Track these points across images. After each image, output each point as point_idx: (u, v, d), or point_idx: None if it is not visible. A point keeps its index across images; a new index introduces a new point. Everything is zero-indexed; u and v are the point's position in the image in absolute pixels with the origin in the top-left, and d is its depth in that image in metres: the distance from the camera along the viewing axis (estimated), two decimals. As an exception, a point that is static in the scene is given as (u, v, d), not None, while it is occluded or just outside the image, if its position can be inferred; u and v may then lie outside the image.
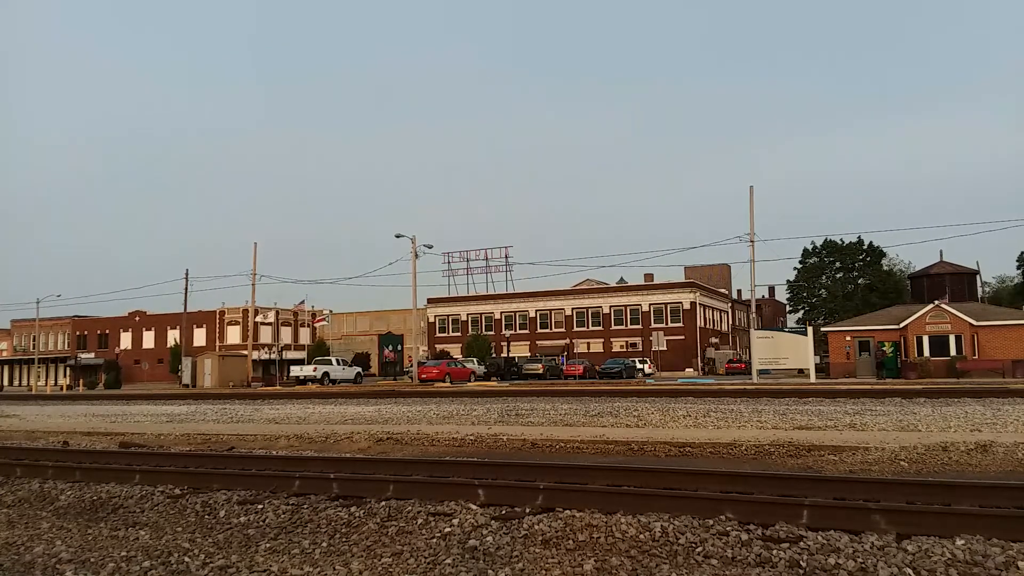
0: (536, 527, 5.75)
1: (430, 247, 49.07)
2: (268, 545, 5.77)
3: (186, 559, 5.41)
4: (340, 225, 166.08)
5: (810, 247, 69.77)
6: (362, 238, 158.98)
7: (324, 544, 5.71)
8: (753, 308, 47.28)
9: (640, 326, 74.41)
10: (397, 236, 47.95)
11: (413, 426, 13.72)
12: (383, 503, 6.70)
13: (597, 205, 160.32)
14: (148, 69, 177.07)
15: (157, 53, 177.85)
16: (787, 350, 40.72)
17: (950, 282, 50.10)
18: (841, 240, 68.09)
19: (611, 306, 77.42)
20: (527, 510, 6.25)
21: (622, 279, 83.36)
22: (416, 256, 47.88)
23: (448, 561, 5.12)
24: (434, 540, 5.62)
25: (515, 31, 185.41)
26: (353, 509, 6.60)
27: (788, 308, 78.88)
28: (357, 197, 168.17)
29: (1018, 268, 63.94)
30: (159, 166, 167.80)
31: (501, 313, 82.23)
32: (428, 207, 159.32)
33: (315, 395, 27.87)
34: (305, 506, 6.81)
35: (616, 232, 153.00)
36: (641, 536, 5.43)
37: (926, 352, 44.37)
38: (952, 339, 44.24)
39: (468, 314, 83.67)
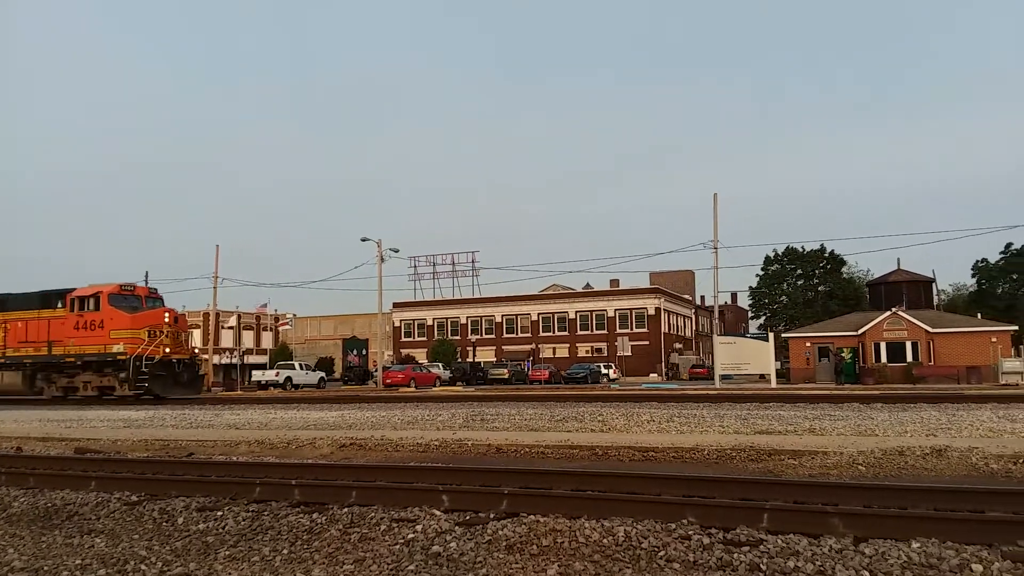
0: (500, 533, 5.74)
1: (396, 251, 48.90)
2: (227, 552, 5.68)
3: (143, 567, 5.30)
4: (305, 228, 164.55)
5: (772, 254, 70.88)
6: (327, 242, 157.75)
7: (285, 551, 5.63)
8: (716, 314, 47.87)
9: (605, 331, 74.89)
10: (363, 240, 47.67)
11: (377, 431, 13.62)
12: (346, 509, 6.64)
13: (564, 211, 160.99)
14: (112, 67, 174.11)
15: (120, 49, 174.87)
16: (749, 356, 41.29)
17: (907, 290, 51.27)
18: (802, 248, 69.33)
19: (577, 311, 77.76)
20: (491, 515, 6.24)
21: (588, 284, 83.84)
22: (382, 260, 47.63)
23: (411, 567, 5.09)
24: (397, 546, 5.58)
25: (482, 35, 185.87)
26: (315, 516, 6.52)
27: (750, 314, 79.96)
28: (323, 200, 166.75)
29: (973, 276, 65.68)
30: (118, 167, 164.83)
31: (467, 318, 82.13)
32: (394, 211, 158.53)
33: (277, 400, 27.55)
34: (266, 513, 6.72)
35: (583, 238, 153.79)
36: (605, 541, 5.45)
37: (883, 358, 45.34)
38: (909, 345, 45.27)
39: (434, 318, 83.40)
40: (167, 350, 28.61)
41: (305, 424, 15.75)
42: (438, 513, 6.38)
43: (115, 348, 28.11)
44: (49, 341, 29.48)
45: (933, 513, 5.74)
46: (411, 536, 5.78)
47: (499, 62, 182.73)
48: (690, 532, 5.49)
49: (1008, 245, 62.14)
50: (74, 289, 29.67)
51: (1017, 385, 34.84)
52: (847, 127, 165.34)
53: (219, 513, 6.78)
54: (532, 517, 6.06)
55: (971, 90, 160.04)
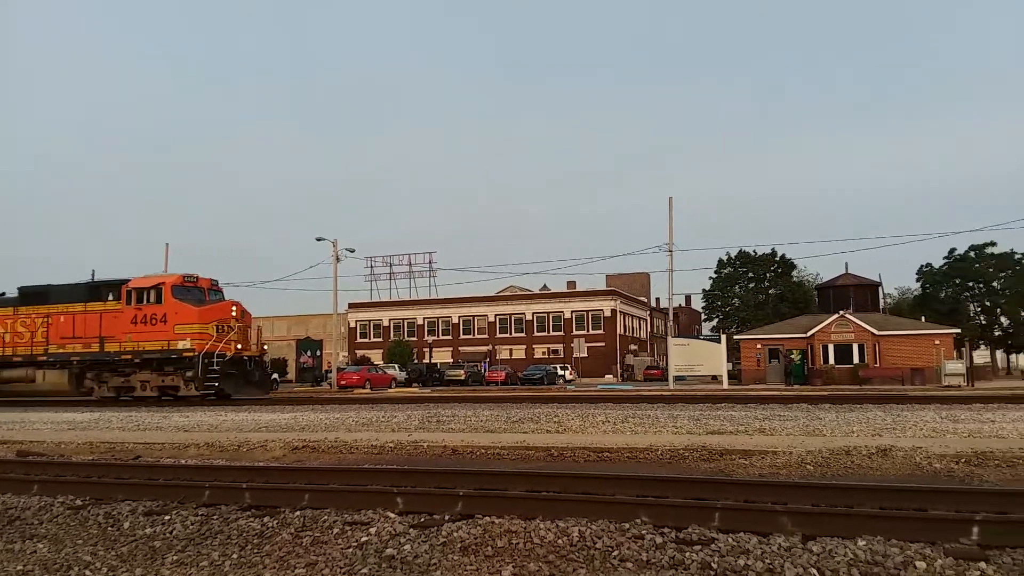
0: (455, 534, 5.72)
1: (352, 251, 48.40)
2: (175, 557, 5.56)
3: (87, 572, 5.16)
4: (259, 227, 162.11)
5: (725, 257, 72.00)
6: (282, 241, 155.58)
7: (235, 555, 5.53)
8: (671, 316, 48.51)
9: (562, 333, 75.28)
10: (318, 239, 47.12)
11: (331, 433, 13.47)
12: (298, 513, 6.55)
13: (522, 213, 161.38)
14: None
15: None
16: (702, 357, 41.95)
17: (854, 293, 52.60)
18: (754, 251, 70.56)
19: (534, 313, 78.02)
20: (446, 517, 6.21)
21: (545, 286, 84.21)
22: (337, 260, 47.14)
23: (364, 571, 5.04)
24: (350, 550, 5.52)
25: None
26: (266, 519, 6.42)
27: (704, 316, 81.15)
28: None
29: (918, 281, 67.59)
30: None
31: (424, 319, 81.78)
32: (351, 211, 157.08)
33: (228, 402, 27.01)
34: (215, 516, 6.59)
35: (540, 240, 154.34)
36: (559, 541, 5.47)
37: (831, 360, 46.43)
38: (856, 347, 46.46)
39: (390, 319, 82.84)
40: (238, 346, 26.45)
41: (257, 426, 15.50)
42: (392, 515, 6.34)
43: (180, 344, 25.60)
44: (101, 337, 26.72)
45: (878, 511, 5.89)
46: (364, 539, 5.73)
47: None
48: (643, 532, 5.55)
49: (951, 251, 64.18)
50: (127, 280, 26.95)
51: (959, 387, 35.97)
52: (803, 133, 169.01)
53: (167, 517, 6.63)
54: (487, 518, 6.06)
55: (917, 105, 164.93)
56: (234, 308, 27.24)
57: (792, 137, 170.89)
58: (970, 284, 63.56)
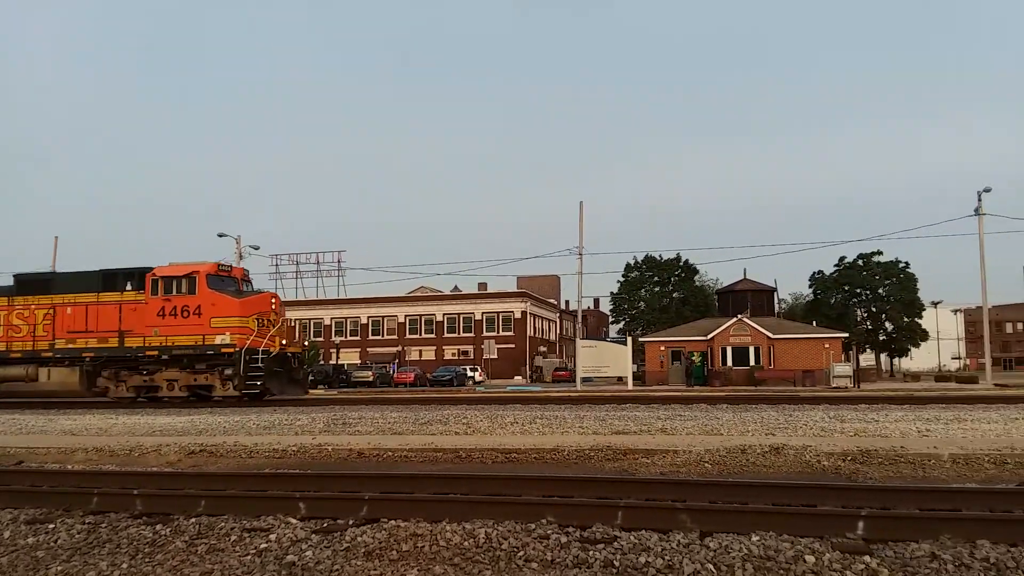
0: (359, 539, 5.62)
1: (256, 248, 47.05)
2: (60, 568, 5.25)
3: (-44, 590, 4.80)
4: (160, 223, 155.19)
5: (632, 262, 73.65)
6: (183, 238, 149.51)
7: (124, 565, 5.27)
8: (580, 318, 49.29)
9: (472, 334, 75.28)
10: (220, 235, 45.55)
11: (230, 437, 13.01)
12: (193, 520, 6.29)
13: (434, 214, 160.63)
14: None
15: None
16: (609, 359, 42.79)
17: (751, 298, 54.85)
18: (660, 256, 72.48)
19: (444, 314, 77.73)
20: (350, 522, 6.10)
21: (456, 287, 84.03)
22: (241, 257, 45.64)
23: (264, 578, 4.89)
24: (248, 557, 5.35)
25: (356, 35, 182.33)
26: (159, 527, 6.14)
27: (611, 319, 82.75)
28: (180, 194, 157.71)
29: (810, 287, 70.94)
30: None
31: (331, 319, 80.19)
32: (256, 209, 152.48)
33: (119, 404, 25.67)
34: (104, 525, 6.26)
35: (451, 241, 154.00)
36: (466, 543, 5.46)
37: (729, 361, 48.25)
38: (752, 350, 48.42)
39: (296, 319, 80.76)
40: (283, 342, 24.40)
41: (150, 430, 14.82)
42: (294, 521, 6.18)
43: (218, 339, 23.06)
44: (120, 331, 23.90)
45: (771, 508, 6.14)
46: (264, 546, 5.56)
47: (404, 59, 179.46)
48: (549, 532, 5.60)
49: (841, 259, 67.63)
50: (149, 268, 24.26)
51: (846, 388, 37.96)
52: (704, 142, 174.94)
53: (51, 526, 6.25)
54: (393, 522, 5.99)
55: (818, 119, 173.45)
56: (273, 300, 25.24)
57: (697, 148, 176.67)
58: (857, 291, 67.19)
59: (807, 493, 6.68)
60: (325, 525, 6.05)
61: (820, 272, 68.90)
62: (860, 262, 66.37)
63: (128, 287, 24.36)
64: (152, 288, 23.83)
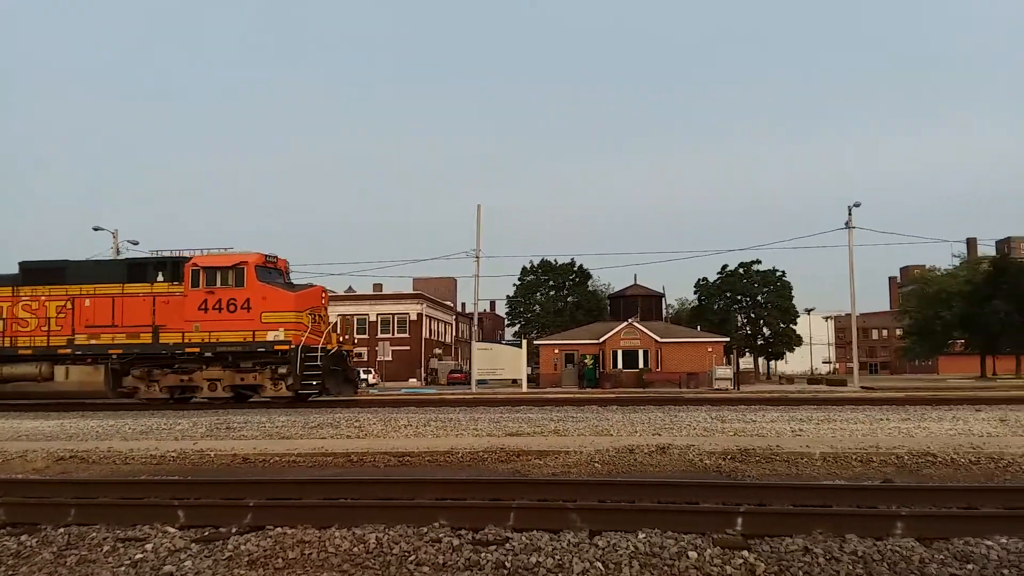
0: (243, 547, 5.42)
1: (135, 243, 44.54)
2: (-99, 590, 4.79)
3: None
4: (30, 215, 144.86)
5: (528, 265, 74.45)
6: (50, 230, 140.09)
7: (-20, 583, 4.87)
8: (476, 321, 49.34)
9: (367, 335, 73.98)
10: (95, 229, 42.97)
11: (103, 442, 12.26)
12: (62, 530, 5.89)
13: (329, 215, 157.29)
14: None
15: None
16: (504, 361, 43.07)
17: (641, 303, 56.61)
18: (555, 260, 73.59)
19: (338, 315, 76.10)
20: (233, 530, 5.87)
21: (350, 288, 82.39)
22: (118, 252, 43.16)
23: (138, 591, 4.63)
24: (122, 569, 5.05)
25: (252, 33, 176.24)
26: (24, 538, 5.72)
27: (507, 322, 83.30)
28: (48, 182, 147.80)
29: (695, 293, 73.81)
30: None
31: (217, 318, 76.94)
32: (137, 204, 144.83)
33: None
34: (-43, 539, 5.76)
35: (347, 242, 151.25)
36: (355, 549, 5.35)
37: (620, 364, 49.55)
38: (641, 353, 49.90)
39: (178, 318, 77.21)
40: (342, 339, 22.97)
41: (16, 435, 13.77)
42: (172, 530, 5.89)
43: (271, 336, 21.40)
44: (155, 325, 21.86)
45: (657, 506, 6.34)
46: (139, 556, 5.27)
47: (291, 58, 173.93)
48: (441, 535, 5.57)
49: (724, 267, 70.73)
50: (185, 257, 22.29)
51: (727, 390, 39.66)
52: (599, 153, 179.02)
53: None
54: (279, 529, 5.80)
55: (711, 132, 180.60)
56: (323, 295, 23.69)
57: (589, 156, 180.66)
58: (738, 297, 70.46)
59: (690, 491, 6.93)
60: (206, 534, 5.80)
61: (705, 279, 71.83)
62: (741, 270, 69.62)
63: (159, 277, 22.34)
64: (192, 279, 21.89)
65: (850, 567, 4.95)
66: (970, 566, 4.90)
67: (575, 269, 73.25)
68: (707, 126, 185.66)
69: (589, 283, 75.36)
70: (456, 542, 5.41)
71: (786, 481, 8.43)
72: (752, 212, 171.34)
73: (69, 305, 22.43)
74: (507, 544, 5.37)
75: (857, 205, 42.21)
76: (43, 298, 22.68)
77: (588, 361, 49.31)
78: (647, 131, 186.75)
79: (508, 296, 76.77)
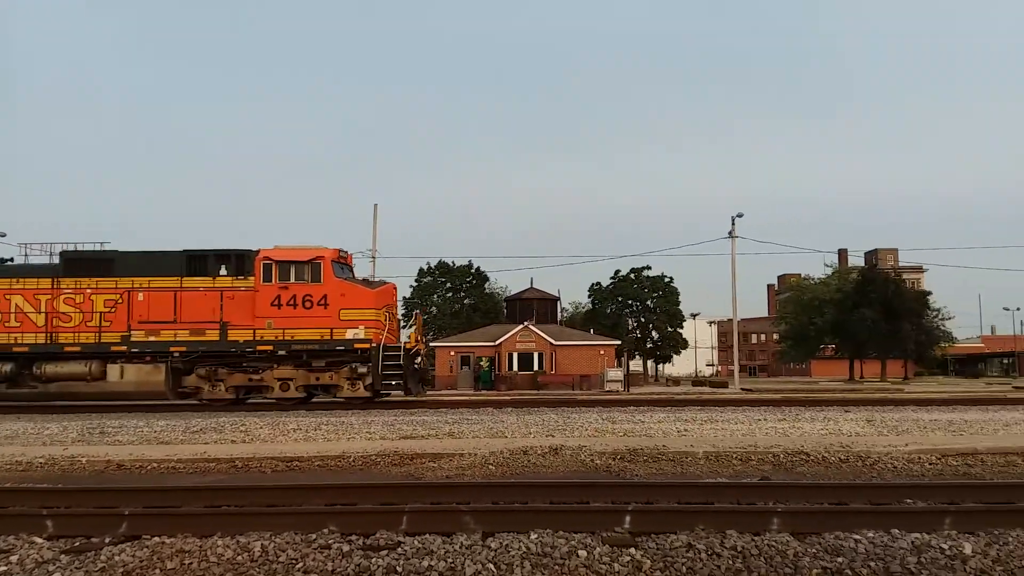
0: (117, 558, 5.12)
1: (2, 235, 41.37)
2: None
3: None
4: None
5: (426, 267, 73.99)
6: None
7: None
8: (369, 322, 48.51)
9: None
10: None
11: (-39, 449, 11.33)
12: (-92, 546, 5.39)
13: (214, 205, 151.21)
14: None
15: None
16: (399, 364, 42.50)
17: (537, 306, 57.36)
18: (453, 263, 73.47)
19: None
20: (107, 540, 5.54)
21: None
22: (-20, 244, 39.94)
23: (-4, 610, 4.29)
24: (-21, 586, 4.68)
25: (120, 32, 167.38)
26: None
27: (402, 324, 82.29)
28: None
29: (589, 297, 75.34)
30: None
31: (91, 317, 72.43)
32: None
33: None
34: None
35: (239, 238, 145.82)
36: (239, 558, 5.16)
37: (515, 366, 50.00)
38: (536, 356, 50.53)
39: (48, 316, 72.19)
40: (420, 338, 22.27)
41: None
42: (40, 541, 5.50)
43: (350, 334, 20.65)
44: (223, 322, 20.64)
45: (549, 506, 6.42)
46: (3, 569, 4.91)
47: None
48: (330, 541, 5.44)
49: (616, 272, 72.54)
50: (248, 250, 21.14)
51: (618, 392, 40.68)
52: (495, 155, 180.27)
53: None
54: (157, 539, 5.51)
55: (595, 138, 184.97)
56: (395, 292, 23.11)
57: (490, 158, 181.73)
58: (629, 302, 72.44)
59: (581, 491, 7.06)
60: (77, 544, 5.46)
61: (598, 283, 73.43)
62: (632, 275, 71.62)
63: (222, 271, 21.14)
64: (264, 274, 20.89)
65: (730, 561, 5.17)
66: (840, 559, 5.21)
67: (472, 271, 73.34)
68: (590, 134, 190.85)
69: (486, 286, 75.65)
70: (346, 548, 5.30)
71: (672, 480, 8.73)
72: (647, 218, 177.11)
73: (119, 299, 21.01)
74: (399, 548, 5.31)
75: (740, 215, 44.16)
76: (88, 291, 21.12)
77: (484, 363, 49.47)
78: (536, 140, 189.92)
79: (404, 298, 76.10)
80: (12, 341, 20.85)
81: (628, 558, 5.16)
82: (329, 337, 20.92)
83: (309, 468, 9.87)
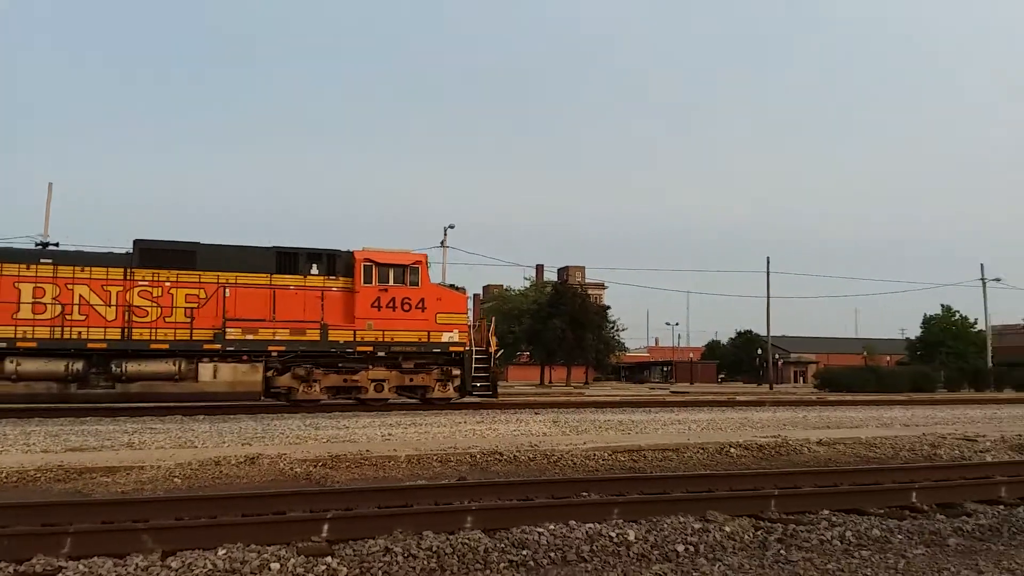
0: None
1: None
2: None
3: None
4: None
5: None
6: None
7: None
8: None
9: None
10: None
11: None
12: None
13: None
14: None
15: None
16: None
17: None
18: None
19: None
20: None
21: None
22: None
23: None
24: None
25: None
26: None
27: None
28: None
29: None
30: None
31: None
32: None
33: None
34: None
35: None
36: None
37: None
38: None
39: None
40: (494, 340, 22.82)
41: None
42: None
43: (445, 337, 21.37)
44: (323, 323, 20.15)
45: (241, 519, 6.08)
46: None
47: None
48: (-33, 574, 4.62)
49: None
50: (340, 251, 21.15)
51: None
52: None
53: None
54: None
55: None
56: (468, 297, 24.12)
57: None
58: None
59: (278, 501, 6.80)
60: None
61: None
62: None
63: (314, 270, 20.77)
64: (365, 275, 20.90)
65: (425, 562, 5.30)
66: (525, 551, 5.59)
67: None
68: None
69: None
70: (-11, 580, 4.54)
71: (373, 484, 8.75)
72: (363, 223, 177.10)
73: (204, 294, 19.77)
74: (60, 574, 4.67)
75: (452, 227, 46.08)
76: (167, 284, 19.64)
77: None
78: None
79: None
80: (83, 337, 18.56)
81: (324, 567, 5.06)
82: (426, 339, 21.49)
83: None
